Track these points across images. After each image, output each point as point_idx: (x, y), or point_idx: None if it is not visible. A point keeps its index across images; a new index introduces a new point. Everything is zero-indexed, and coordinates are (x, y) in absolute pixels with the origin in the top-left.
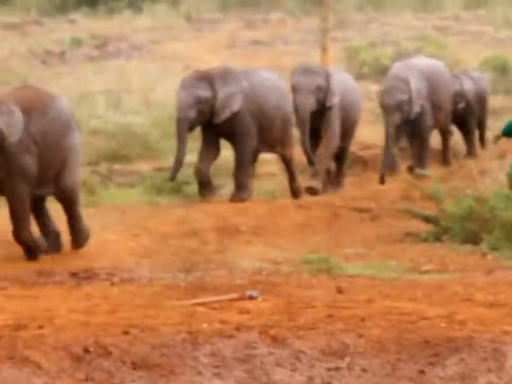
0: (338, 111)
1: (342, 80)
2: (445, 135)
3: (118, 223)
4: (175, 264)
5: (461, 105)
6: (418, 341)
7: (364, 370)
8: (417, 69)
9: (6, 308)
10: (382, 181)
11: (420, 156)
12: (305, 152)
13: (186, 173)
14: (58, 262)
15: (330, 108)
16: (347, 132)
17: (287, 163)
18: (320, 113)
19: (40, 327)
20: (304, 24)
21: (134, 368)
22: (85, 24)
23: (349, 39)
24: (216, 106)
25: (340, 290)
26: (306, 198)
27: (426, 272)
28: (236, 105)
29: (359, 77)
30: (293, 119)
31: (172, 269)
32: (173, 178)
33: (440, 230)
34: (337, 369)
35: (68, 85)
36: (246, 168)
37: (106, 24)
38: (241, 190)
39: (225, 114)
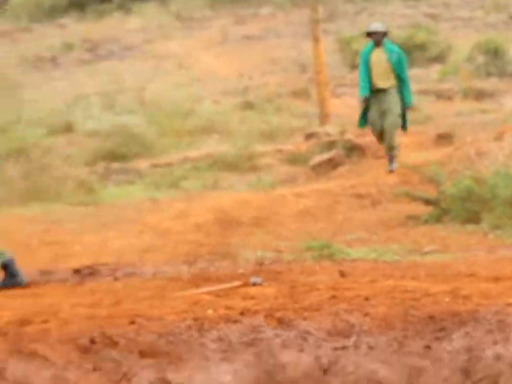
0: None
1: None
2: None
3: (119, 221)
4: (178, 258)
5: None
6: (423, 317)
7: (371, 348)
8: None
9: (8, 305)
10: None
11: None
12: None
13: (184, 167)
14: (60, 260)
15: None
16: None
17: None
18: None
19: (45, 321)
20: (294, 17)
21: (142, 357)
22: (74, 28)
23: (340, 31)
24: None
25: (342, 274)
26: (304, 187)
27: (428, 253)
28: None
29: (353, 67)
30: None
31: (175, 263)
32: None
33: (441, 212)
34: (343, 348)
35: (61, 89)
36: None
37: (96, 27)
38: None
39: None
